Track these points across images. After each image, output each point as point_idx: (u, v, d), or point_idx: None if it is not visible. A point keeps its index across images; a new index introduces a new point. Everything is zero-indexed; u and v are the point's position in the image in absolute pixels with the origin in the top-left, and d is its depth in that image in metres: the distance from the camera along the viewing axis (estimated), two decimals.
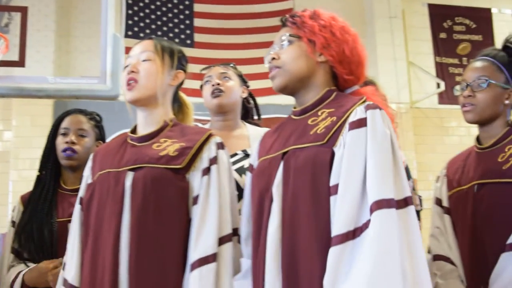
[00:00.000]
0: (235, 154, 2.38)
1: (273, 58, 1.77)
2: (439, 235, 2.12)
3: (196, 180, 1.82)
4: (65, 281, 1.85)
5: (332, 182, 1.54)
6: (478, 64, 2.11)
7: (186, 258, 1.76)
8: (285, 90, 1.77)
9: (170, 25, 6.60)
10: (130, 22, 6.45)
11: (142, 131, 1.96)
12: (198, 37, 6.59)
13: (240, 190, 2.21)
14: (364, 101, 1.65)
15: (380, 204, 1.43)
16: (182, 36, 6.58)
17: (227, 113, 2.51)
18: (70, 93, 3.66)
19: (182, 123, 2.04)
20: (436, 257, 2.09)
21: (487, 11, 7.61)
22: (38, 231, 2.33)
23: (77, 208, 1.94)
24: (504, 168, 1.95)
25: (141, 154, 1.86)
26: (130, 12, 6.47)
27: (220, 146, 1.90)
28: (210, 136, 1.90)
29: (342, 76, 1.77)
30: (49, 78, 3.62)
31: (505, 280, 1.83)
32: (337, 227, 1.47)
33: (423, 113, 7.22)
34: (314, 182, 1.57)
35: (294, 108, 1.81)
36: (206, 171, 1.83)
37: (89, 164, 2.00)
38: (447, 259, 2.06)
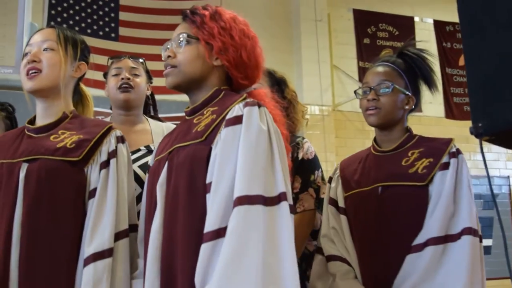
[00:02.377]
0: (138, 150, 2.33)
1: (169, 56, 1.75)
2: (334, 235, 2.14)
3: (94, 173, 1.79)
4: None
5: (208, 180, 1.54)
6: (380, 69, 2.15)
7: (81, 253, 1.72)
8: (177, 88, 1.76)
9: (95, 17, 6.45)
10: (53, 12, 6.26)
11: (40, 122, 1.91)
12: (123, 31, 6.48)
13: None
14: (244, 99, 1.64)
15: (241, 200, 1.43)
16: (107, 29, 6.45)
17: (131, 109, 2.46)
18: None
19: (82, 116, 1.99)
20: (331, 258, 2.11)
21: (410, 19, 7.84)
22: None
23: None
24: (411, 171, 2.00)
25: (37, 146, 1.81)
26: (53, 1, 6.28)
27: (120, 139, 1.87)
28: (110, 129, 1.87)
29: (237, 80, 1.77)
30: None
31: (411, 282, 1.86)
32: (209, 224, 1.46)
33: (345, 116, 7.36)
34: (191, 180, 1.57)
35: (187, 108, 1.80)
36: (105, 165, 1.80)
37: None
38: (343, 260, 2.08)
